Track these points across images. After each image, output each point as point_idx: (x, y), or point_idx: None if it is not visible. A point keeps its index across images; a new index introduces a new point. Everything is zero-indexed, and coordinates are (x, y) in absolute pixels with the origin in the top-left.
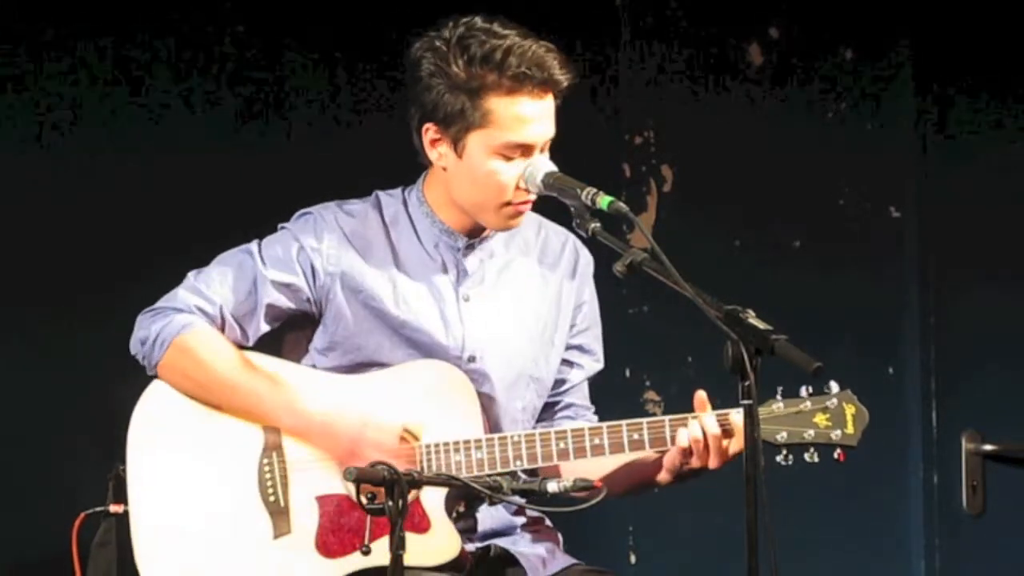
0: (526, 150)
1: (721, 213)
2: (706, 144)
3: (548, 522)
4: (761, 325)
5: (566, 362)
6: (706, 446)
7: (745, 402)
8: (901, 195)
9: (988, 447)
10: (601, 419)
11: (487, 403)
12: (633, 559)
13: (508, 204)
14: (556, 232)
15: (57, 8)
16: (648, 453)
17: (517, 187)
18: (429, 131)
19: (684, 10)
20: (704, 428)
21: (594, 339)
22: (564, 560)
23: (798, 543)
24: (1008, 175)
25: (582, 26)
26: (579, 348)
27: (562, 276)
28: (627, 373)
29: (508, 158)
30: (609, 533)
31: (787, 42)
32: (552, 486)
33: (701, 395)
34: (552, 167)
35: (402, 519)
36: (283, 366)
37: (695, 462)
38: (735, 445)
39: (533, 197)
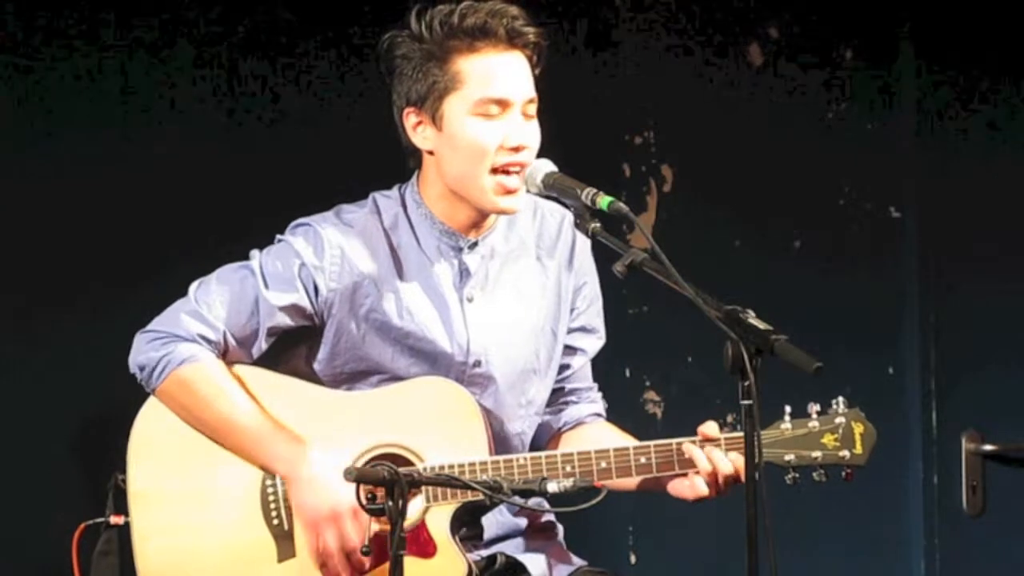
0: (503, 106)
1: (721, 213)
2: (706, 144)
3: (552, 516)
4: (761, 325)
5: (569, 348)
6: (715, 481)
7: (745, 402)
8: (901, 195)
9: (988, 447)
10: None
11: (492, 406)
12: (633, 559)
13: (496, 170)
14: (551, 212)
15: (59, 7)
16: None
17: (501, 147)
18: (410, 116)
19: (684, 10)
20: (716, 467)
21: (596, 315)
22: (569, 564)
23: (798, 543)
24: (1008, 175)
25: (581, 26)
26: (582, 329)
27: (560, 260)
28: (627, 373)
29: (486, 116)
30: (609, 533)
31: (787, 42)
32: (552, 486)
33: (710, 428)
34: (552, 167)
35: (402, 519)
36: (282, 383)
37: (707, 496)
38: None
39: (521, 158)
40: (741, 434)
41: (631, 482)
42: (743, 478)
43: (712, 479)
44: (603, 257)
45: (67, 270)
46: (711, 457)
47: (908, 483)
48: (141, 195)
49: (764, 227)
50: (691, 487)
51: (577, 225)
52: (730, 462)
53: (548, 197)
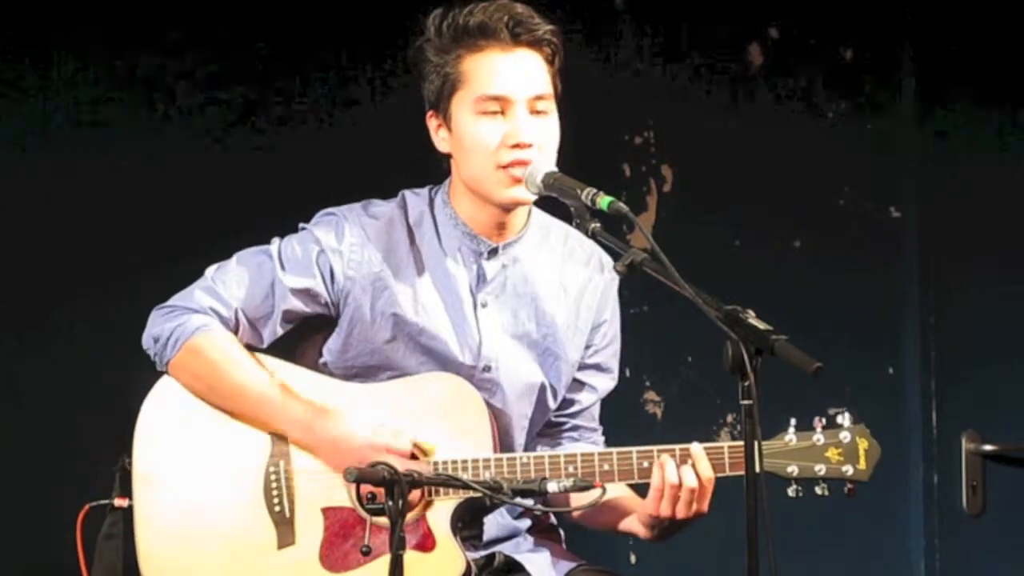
0: (503, 103)
1: (721, 213)
2: (706, 144)
3: (552, 519)
4: (761, 325)
5: (578, 383)
6: (677, 494)
7: (745, 402)
8: (901, 195)
9: (988, 447)
10: (599, 421)
11: (498, 413)
12: (633, 559)
13: (500, 168)
14: (581, 244)
15: (63, 9)
16: (634, 501)
17: (505, 145)
18: (431, 120)
19: (684, 10)
20: (681, 478)
21: (612, 355)
22: (568, 563)
23: (798, 543)
24: (1008, 175)
25: (582, 26)
26: (596, 367)
27: (583, 291)
28: (627, 373)
29: (488, 114)
30: (609, 533)
31: (787, 42)
32: (552, 486)
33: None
34: (552, 167)
35: (402, 519)
36: (293, 371)
37: (679, 511)
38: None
39: (525, 156)
40: (741, 443)
41: (602, 522)
42: (703, 482)
43: (672, 492)
44: None
45: (79, 257)
46: (680, 474)
47: (908, 483)
48: (155, 189)
49: (764, 227)
50: (641, 510)
51: (577, 225)
52: (695, 476)
53: (548, 197)
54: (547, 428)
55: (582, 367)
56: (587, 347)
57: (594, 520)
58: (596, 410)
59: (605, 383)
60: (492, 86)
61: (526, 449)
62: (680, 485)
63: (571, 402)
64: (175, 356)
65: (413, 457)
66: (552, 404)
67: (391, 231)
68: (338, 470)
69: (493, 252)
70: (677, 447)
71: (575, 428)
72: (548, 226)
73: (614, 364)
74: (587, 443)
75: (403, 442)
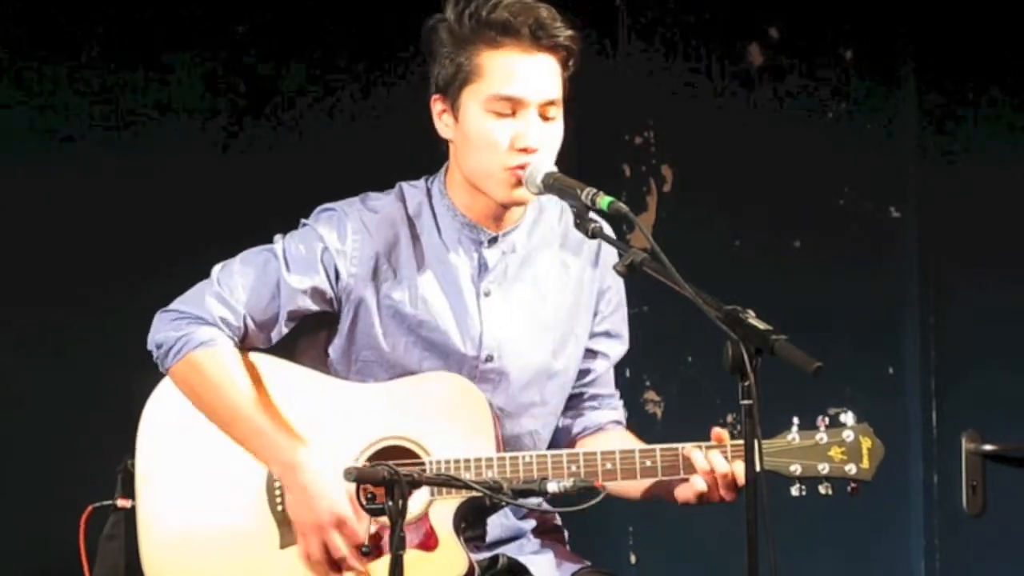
0: (516, 105)
1: (721, 213)
2: (706, 144)
3: (557, 520)
4: (761, 325)
5: (590, 352)
6: (716, 482)
7: (745, 402)
8: (901, 195)
9: (988, 447)
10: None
11: (503, 403)
12: (633, 559)
13: (506, 168)
14: None
15: (63, 7)
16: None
17: (513, 148)
18: (436, 103)
19: (684, 10)
20: (713, 467)
21: (621, 320)
22: (573, 564)
23: (798, 543)
24: (1008, 175)
25: (581, 25)
26: (606, 334)
27: (585, 262)
28: (627, 373)
29: (499, 115)
30: (609, 533)
31: (787, 42)
32: (552, 486)
33: (718, 431)
34: (552, 167)
35: (402, 519)
36: (295, 372)
37: (709, 497)
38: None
39: (529, 160)
40: (742, 441)
41: (635, 490)
42: (741, 481)
43: (710, 478)
44: None
45: (85, 257)
46: (709, 458)
47: (908, 483)
48: (159, 190)
49: (764, 227)
50: (690, 485)
51: (577, 225)
52: (727, 463)
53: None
54: (566, 402)
55: (592, 335)
56: (594, 315)
57: (624, 493)
58: (610, 376)
59: (617, 348)
60: (508, 87)
61: (551, 438)
62: (726, 473)
63: (586, 372)
64: (176, 365)
65: (412, 455)
66: (570, 381)
67: (391, 225)
68: (295, 519)
69: (493, 240)
70: (680, 446)
71: (594, 397)
72: (542, 204)
73: (623, 329)
74: (608, 409)
75: (361, 528)
